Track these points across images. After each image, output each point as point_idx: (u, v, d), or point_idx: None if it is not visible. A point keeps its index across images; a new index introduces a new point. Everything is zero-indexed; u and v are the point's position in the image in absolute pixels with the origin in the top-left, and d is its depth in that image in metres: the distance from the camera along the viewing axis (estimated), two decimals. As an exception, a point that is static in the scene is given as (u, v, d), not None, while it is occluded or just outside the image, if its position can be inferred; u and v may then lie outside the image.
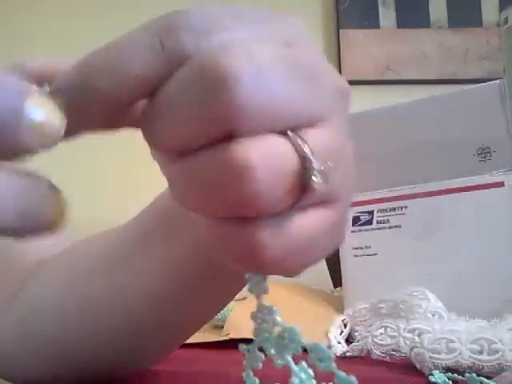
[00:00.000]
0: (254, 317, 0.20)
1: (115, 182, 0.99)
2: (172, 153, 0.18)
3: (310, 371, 0.19)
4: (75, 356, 0.36)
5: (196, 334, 0.39)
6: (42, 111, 0.16)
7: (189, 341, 0.40)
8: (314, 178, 0.17)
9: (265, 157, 0.17)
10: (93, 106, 0.17)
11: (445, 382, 0.35)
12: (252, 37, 0.18)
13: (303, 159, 0.17)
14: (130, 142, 0.93)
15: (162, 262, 0.32)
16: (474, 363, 0.36)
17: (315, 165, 0.17)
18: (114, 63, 0.17)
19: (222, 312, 0.51)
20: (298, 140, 0.17)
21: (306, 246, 0.18)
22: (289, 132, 0.17)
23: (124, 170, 1.00)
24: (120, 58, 0.17)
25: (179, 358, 0.42)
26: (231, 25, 0.18)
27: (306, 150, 0.17)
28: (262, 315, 0.20)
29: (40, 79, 0.18)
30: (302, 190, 0.18)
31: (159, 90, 0.18)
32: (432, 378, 0.36)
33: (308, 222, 0.18)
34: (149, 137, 0.19)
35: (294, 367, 0.19)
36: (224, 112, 0.16)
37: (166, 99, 0.18)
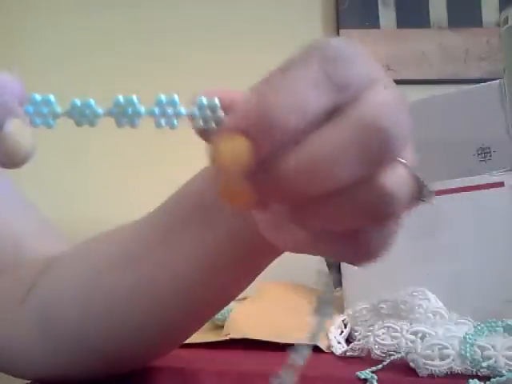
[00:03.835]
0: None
1: (114, 184, 0.99)
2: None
3: None
4: (97, 346, 0.37)
5: (196, 334, 0.39)
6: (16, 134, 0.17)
7: (190, 341, 0.40)
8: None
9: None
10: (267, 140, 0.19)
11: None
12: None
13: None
14: (129, 145, 0.93)
15: (192, 250, 0.33)
16: (467, 369, 0.36)
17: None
18: (289, 102, 0.19)
19: (222, 312, 0.51)
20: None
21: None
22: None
23: (123, 171, 1.00)
24: (295, 94, 0.19)
25: (181, 356, 0.42)
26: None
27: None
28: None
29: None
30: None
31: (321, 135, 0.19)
32: None
33: None
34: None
35: None
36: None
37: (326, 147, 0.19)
